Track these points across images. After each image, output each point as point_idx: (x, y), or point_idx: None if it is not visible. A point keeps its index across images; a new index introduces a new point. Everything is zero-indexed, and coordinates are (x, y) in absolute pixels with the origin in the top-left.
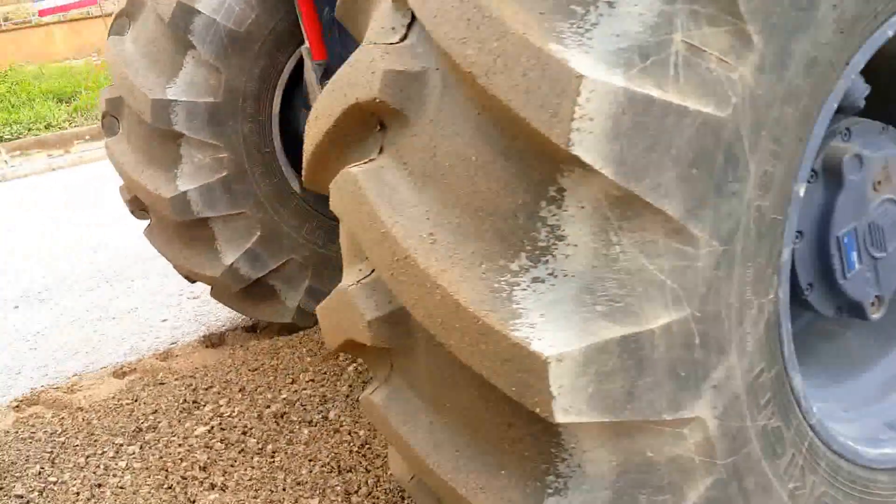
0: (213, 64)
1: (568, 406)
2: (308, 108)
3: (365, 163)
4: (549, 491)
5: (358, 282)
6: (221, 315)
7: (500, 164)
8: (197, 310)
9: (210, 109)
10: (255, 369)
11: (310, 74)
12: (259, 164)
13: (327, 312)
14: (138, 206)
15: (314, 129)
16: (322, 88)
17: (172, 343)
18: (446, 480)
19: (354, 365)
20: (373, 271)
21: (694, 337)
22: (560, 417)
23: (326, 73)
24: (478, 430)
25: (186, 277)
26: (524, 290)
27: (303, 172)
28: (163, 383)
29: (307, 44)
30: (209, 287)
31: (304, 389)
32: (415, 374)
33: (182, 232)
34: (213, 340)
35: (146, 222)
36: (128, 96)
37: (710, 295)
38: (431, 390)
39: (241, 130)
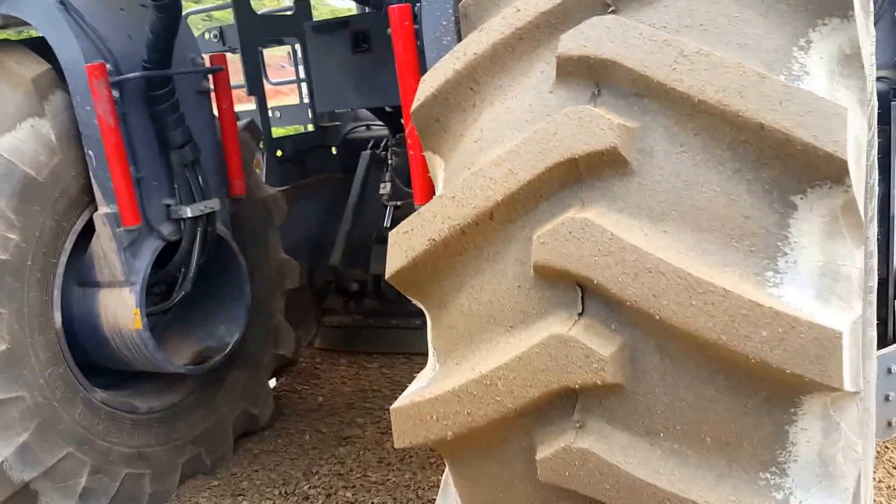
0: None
1: (851, 378)
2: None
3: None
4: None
5: (574, 323)
6: None
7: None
8: None
9: None
10: None
11: (108, 244)
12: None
13: (536, 359)
14: None
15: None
16: (125, 259)
17: None
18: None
19: None
20: (581, 313)
21: None
22: (848, 386)
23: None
24: (703, 440)
25: None
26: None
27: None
28: None
29: (105, 208)
30: None
31: None
32: (630, 409)
33: None
34: None
35: None
36: None
37: None
38: (655, 418)
39: (25, 297)
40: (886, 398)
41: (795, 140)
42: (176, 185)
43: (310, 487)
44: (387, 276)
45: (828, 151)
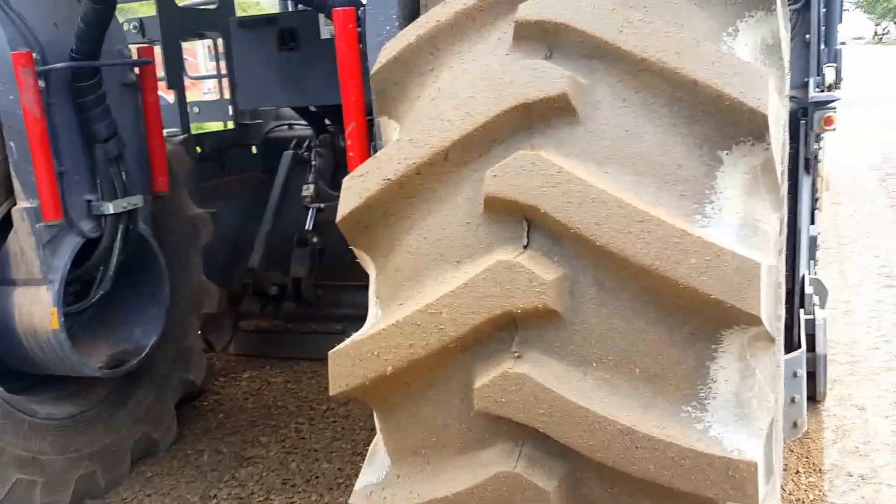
0: None
1: (766, 315)
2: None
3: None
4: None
5: (519, 254)
6: None
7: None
8: None
9: None
10: None
11: (26, 240)
12: None
13: (481, 285)
14: None
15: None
16: (44, 255)
17: None
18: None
19: None
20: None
21: None
22: (765, 321)
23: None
24: (632, 370)
25: None
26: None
27: None
28: None
29: (25, 202)
30: None
31: None
32: (566, 340)
33: None
34: None
35: None
36: None
37: None
38: (589, 348)
39: None
40: (792, 400)
41: (724, 96)
42: (98, 181)
43: None
44: (338, 219)
45: (752, 107)
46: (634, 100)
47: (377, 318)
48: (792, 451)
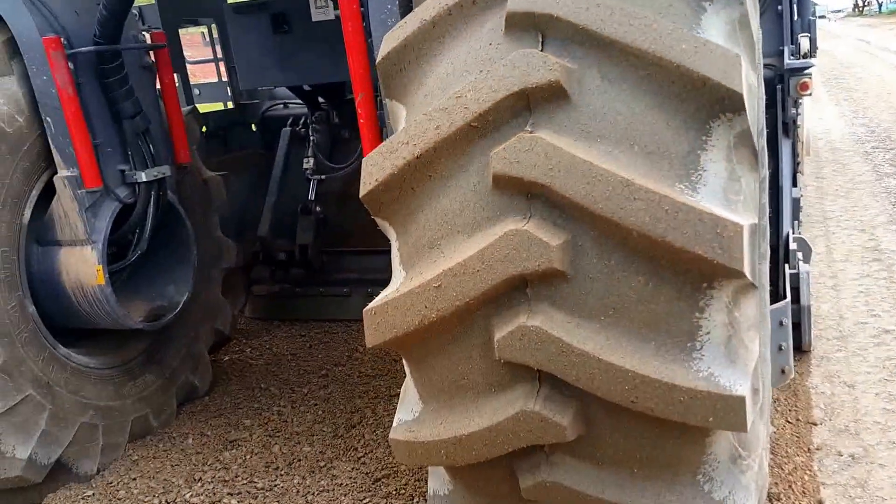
0: None
1: (749, 268)
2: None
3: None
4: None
5: (526, 222)
6: None
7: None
8: None
9: None
10: None
11: (69, 205)
12: None
13: (495, 250)
14: None
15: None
16: (87, 219)
17: None
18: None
19: None
20: (529, 218)
21: None
22: (748, 273)
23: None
24: (633, 321)
25: None
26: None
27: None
28: None
29: (65, 171)
30: None
31: None
32: (571, 296)
33: None
34: None
35: None
36: None
37: None
38: (593, 302)
39: None
40: (780, 348)
41: (705, 78)
42: (130, 153)
43: (192, 495)
44: (361, 194)
45: (729, 87)
46: (622, 82)
47: (402, 279)
48: (783, 429)
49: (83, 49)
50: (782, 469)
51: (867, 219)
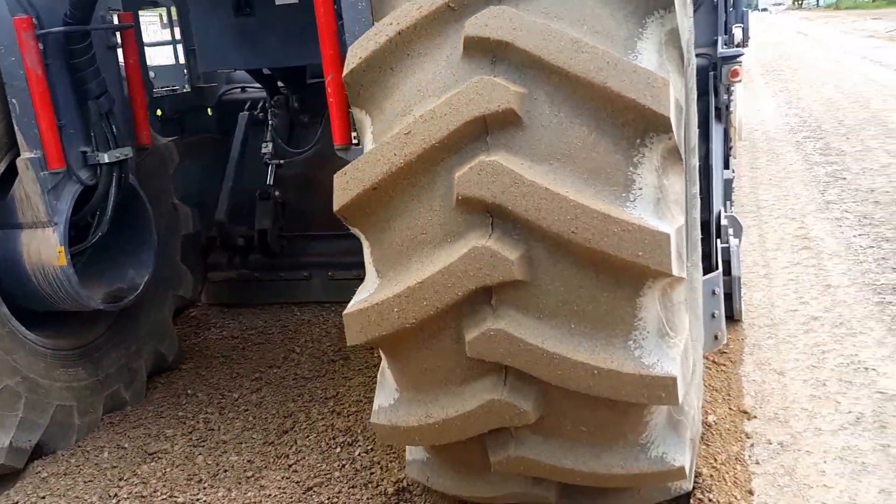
0: None
1: (677, 266)
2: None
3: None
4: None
5: (488, 238)
6: None
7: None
8: None
9: None
10: None
11: (32, 187)
12: None
13: (461, 264)
14: None
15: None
16: (49, 200)
17: None
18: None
19: None
20: (490, 233)
21: None
22: (676, 272)
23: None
24: (582, 317)
25: None
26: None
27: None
28: None
29: (28, 153)
30: None
31: None
32: (530, 300)
33: None
34: None
35: None
36: None
37: None
38: (549, 304)
39: None
40: (713, 315)
41: (637, 104)
42: (93, 134)
43: None
44: (335, 209)
45: (658, 112)
46: (567, 105)
47: (377, 284)
48: (715, 422)
49: (53, 29)
50: (716, 459)
51: (798, 207)
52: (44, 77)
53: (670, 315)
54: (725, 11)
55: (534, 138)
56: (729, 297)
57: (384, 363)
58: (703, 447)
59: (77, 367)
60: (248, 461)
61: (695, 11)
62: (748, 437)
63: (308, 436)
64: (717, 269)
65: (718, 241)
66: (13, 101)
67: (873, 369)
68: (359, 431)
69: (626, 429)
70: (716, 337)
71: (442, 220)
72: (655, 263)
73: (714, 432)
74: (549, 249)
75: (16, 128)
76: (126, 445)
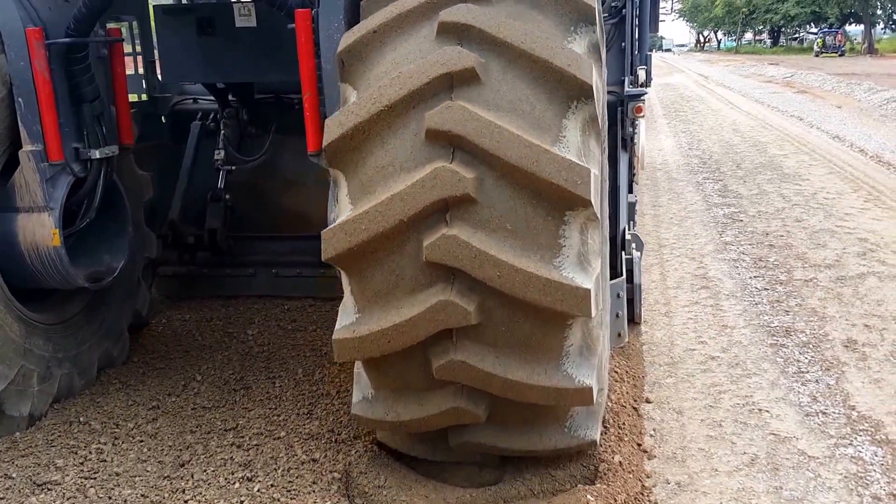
0: None
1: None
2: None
3: None
4: None
5: (449, 162)
6: None
7: None
8: None
9: None
10: None
11: (31, 175)
12: None
13: (425, 182)
14: None
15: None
16: (46, 188)
17: None
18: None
19: None
20: (451, 160)
21: None
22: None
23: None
24: (523, 234)
25: None
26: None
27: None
28: None
29: (30, 146)
30: None
31: None
32: (479, 214)
33: None
34: None
35: None
36: None
37: None
38: (495, 219)
39: None
40: (617, 315)
41: (567, 73)
42: (86, 132)
43: None
44: (324, 145)
45: (583, 79)
46: (514, 71)
47: (352, 209)
48: (619, 463)
49: (59, 41)
50: (615, 500)
51: (697, 247)
52: (50, 81)
53: (588, 249)
54: (631, 55)
55: (489, 93)
56: (631, 303)
57: (346, 296)
58: (604, 486)
59: (49, 341)
60: (143, 495)
61: (606, 52)
62: (648, 477)
63: (206, 469)
64: (621, 275)
65: (623, 252)
66: (19, 100)
67: (766, 411)
68: (259, 466)
69: (549, 343)
70: (619, 335)
71: (413, 151)
72: (575, 188)
73: (617, 471)
74: (497, 173)
75: (20, 123)
76: (14, 475)
